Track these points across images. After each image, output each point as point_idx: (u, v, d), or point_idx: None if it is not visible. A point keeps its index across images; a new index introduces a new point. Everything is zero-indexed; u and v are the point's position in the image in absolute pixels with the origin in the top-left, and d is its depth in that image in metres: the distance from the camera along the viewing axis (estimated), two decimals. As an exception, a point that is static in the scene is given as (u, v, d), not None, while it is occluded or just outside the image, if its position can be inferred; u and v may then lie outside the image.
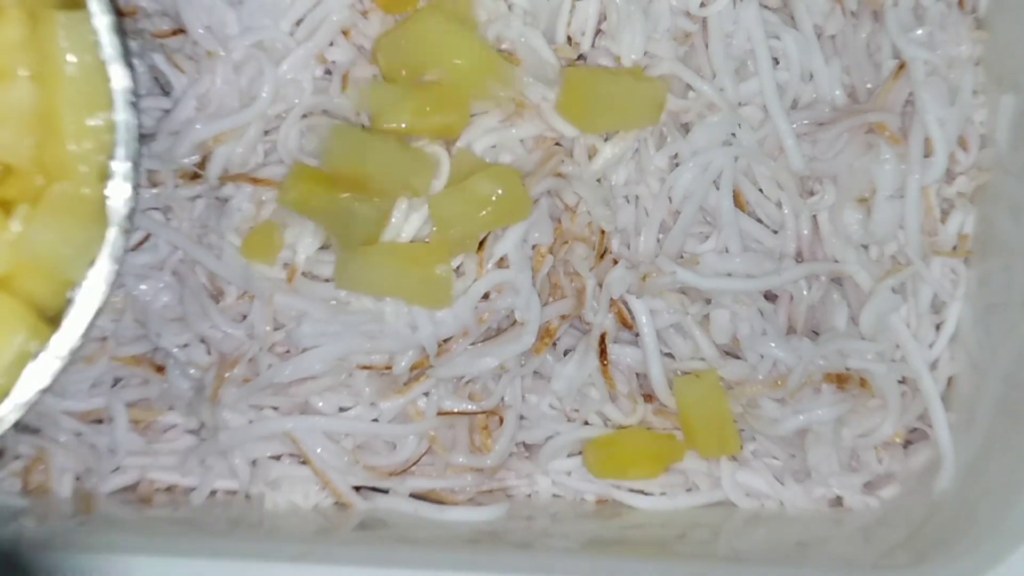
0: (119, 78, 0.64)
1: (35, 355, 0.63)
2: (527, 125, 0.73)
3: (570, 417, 0.76)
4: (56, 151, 0.64)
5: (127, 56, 0.65)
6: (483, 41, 0.72)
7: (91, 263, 0.64)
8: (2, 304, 0.62)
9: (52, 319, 0.64)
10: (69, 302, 0.64)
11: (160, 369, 0.75)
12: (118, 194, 0.64)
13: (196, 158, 0.73)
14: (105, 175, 0.64)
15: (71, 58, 0.63)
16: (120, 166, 0.64)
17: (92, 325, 0.64)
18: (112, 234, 0.64)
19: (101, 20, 0.64)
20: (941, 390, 0.75)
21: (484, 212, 0.71)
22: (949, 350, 0.76)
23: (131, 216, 0.65)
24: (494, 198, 0.71)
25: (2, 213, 0.63)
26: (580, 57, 0.75)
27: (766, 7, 0.75)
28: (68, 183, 0.64)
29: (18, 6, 0.63)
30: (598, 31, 0.74)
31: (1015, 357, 0.71)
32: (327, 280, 0.73)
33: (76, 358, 0.65)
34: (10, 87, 0.63)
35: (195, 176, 0.74)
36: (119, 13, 0.65)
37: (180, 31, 0.73)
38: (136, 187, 0.65)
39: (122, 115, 0.64)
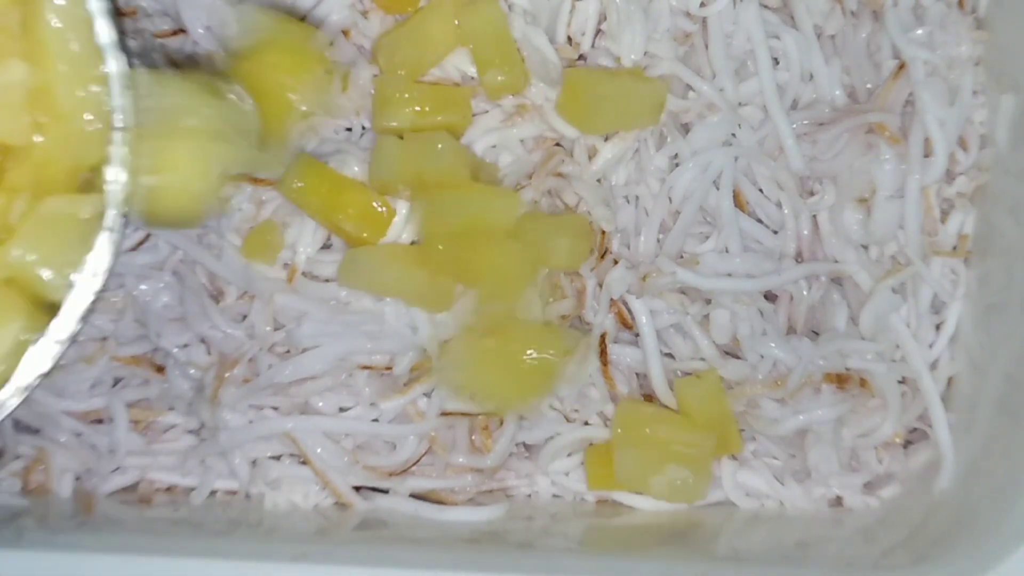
0: (113, 61, 0.64)
1: (34, 341, 0.63)
2: (527, 125, 0.74)
3: (570, 418, 0.76)
4: (55, 129, 0.63)
5: (122, 39, 0.64)
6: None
7: (89, 248, 0.64)
8: None
9: (50, 305, 0.64)
10: (67, 287, 0.63)
11: (160, 369, 0.75)
12: (115, 178, 0.64)
13: (196, 158, 0.73)
14: (102, 159, 0.64)
15: (64, 39, 0.63)
16: (117, 149, 0.64)
17: (91, 309, 0.64)
18: (110, 218, 0.64)
19: (94, 4, 0.63)
20: (941, 390, 0.75)
21: None
22: (949, 350, 0.76)
23: (128, 199, 0.64)
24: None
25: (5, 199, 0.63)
26: (580, 57, 0.75)
27: (766, 7, 0.75)
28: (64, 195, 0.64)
29: None
30: (598, 31, 0.74)
31: (1015, 357, 0.71)
32: (327, 280, 0.73)
33: (75, 344, 0.64)
34: (3, 68, 0.63)
35: (195, 176, 0.74)
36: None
37: (180, 31, 0.73)
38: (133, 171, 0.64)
39: (118, 100, 0.64)
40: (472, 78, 0.74)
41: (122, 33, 0.64)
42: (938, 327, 0.76)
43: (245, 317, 0.74)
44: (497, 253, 0.71)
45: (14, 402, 0.63)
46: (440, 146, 0.71)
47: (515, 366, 0.71)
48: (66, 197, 0.64)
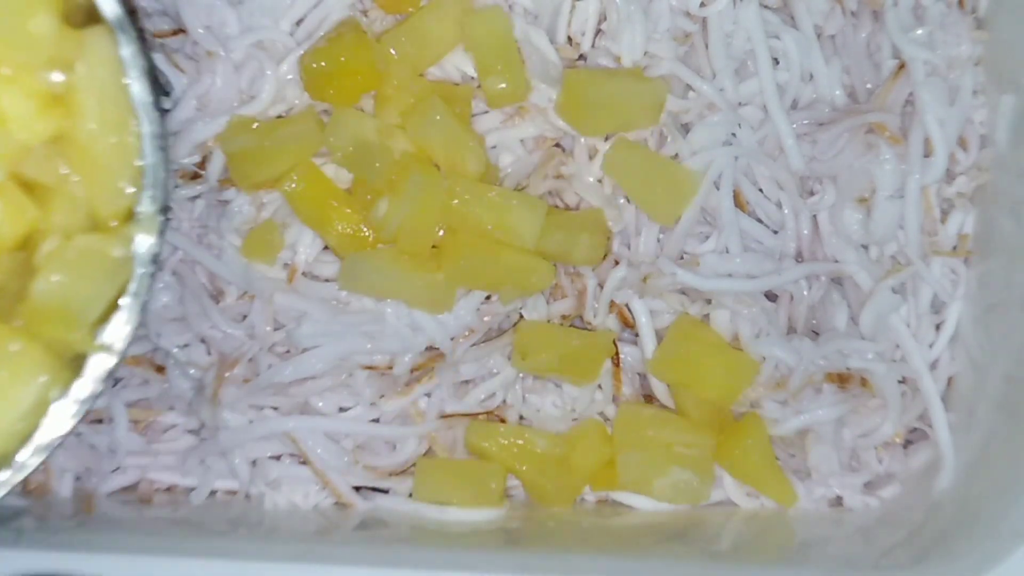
0: (148, 120, 0.64)
1: (55, 400, 0.63)
2: (527, 125, 0.74)
3: (571, 417, 0.76)
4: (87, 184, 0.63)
5: (157, 99, 0.65)
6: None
7: (115, 308, 0.64)
8: (23, 349, 0.62)
9: (74, 359, 0.64)
10: (91, 342, 0.63)
11: (160, 369, 0.75)
12: (144, 238, 0.64)
13: (196, 158, 0.73)
14: (131, 216, 0.64)
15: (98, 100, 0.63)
16: (147, 209, 0.64)
17: (114, 371, 0.64)
18: (136, 278, 0.64)
19: (134, 63, 0.64)
20: (941, 390, 0.75)
21: None
22: (949, 350, 0.76)
23: (156, 260, 0.65)
24: None
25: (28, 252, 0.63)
26: (580, 57, 0.75)
27: (766, 7, 0.75)
28: (93, 236, 0.63)
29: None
30: (598, 31, 0.74)
31: (1015, 357, 0.71)
32: (327, 280, 0.73)
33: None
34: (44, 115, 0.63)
35: (195, 176, 0.74)
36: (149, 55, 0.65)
37: (180, 31, 0.73)
38: (163, 231, 0.65)
39: (151, 158, 0.64)
40: (472, 78, 0.74)
41: (163, 93, 0.65)
42: (938, 327, 0.76)
43: (245, 317, 0.74)
44: (520, 260, 0.71)
45: (34, 462, 0.63)
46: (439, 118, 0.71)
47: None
48: (96, 236, 0.64)
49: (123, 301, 0.64)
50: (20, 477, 0.63)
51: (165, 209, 0.65)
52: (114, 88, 0.64)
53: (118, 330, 0.64)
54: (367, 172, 0.71)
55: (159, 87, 0.65)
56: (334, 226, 0.71)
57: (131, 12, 0.65)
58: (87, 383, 0.63)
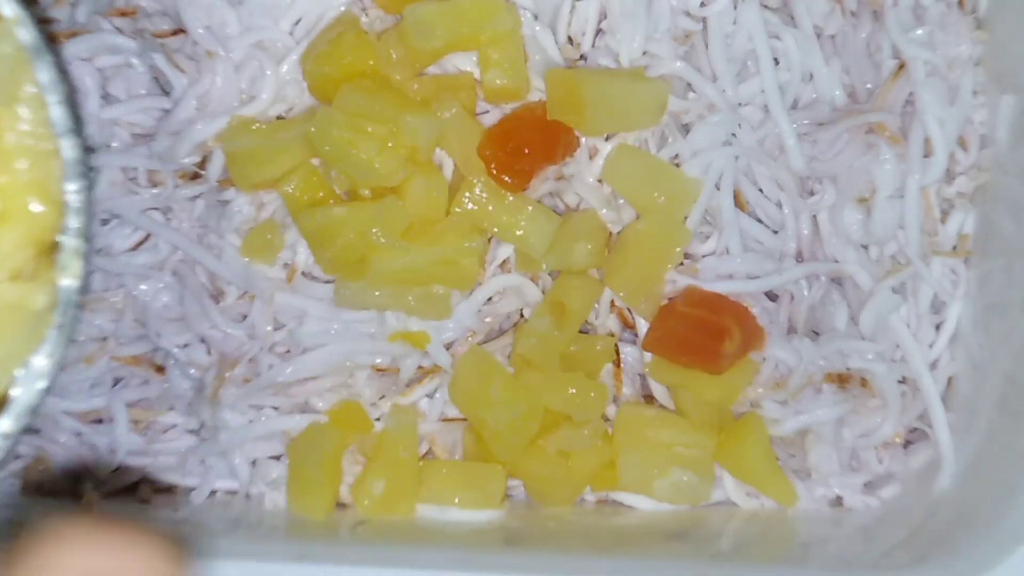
0: (69, 148, 0.60)
1: None
2: (527, 125, 0.74)
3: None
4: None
5: (78, 125, 0.60)
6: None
7: (40, 340, 0.60)
8: None
9: None
10: (13, 381, 0.59)
11: (160, 369, 0.75)
12: (68, 270, 0.60)
13: (196, 158, 0.73)
14: (53, 248, 0.60)
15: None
16: (70, 241, 0.60)
17: (39, 405, 0.60)
18: (60, 313, 0.60)
19: (54, 88, 0.60)
20: (941, 390, 0.75)
21: None
22: (949, 350, 0.76)
23: (84, 290, 0.61)
24: None
25: None
26: (581, 57, 0.74)
27: (766, 7, 0.75)
28: (13, 286, 0.59)
29: None
30: (598, 31, 0.74)
31: (1015, 357, 0.71)
32: (327, 280, 0.73)
33: (75, 344, 0.62)
34: None
35: (195, 176, 0.74)
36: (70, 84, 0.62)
37: (180, 31, 0.73)
38: (87, 262, 0.60)
39: (72, 186, 0.60)
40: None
41: (79, 120, 0.61)
42: (938, 327, 0.76)
43: (245, 317, 0.74)
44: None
45: None
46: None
47: None
48: (19, 286, 0.60)
49: (48, 334, 0.60)
50: None
51: (88, 238, 0.61)
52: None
53: (40, 363, 0.60)
54: (354, 171, 0.70)
55: (78, 115, 0.61)
56: (326, 250, 0.70)
57: (50, 38, 0.62)
58: (8, 420, 0.59)
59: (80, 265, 0.60)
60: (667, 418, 0.74)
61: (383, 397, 0.74)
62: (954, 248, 0.76)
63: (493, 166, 0.70)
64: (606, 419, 0.75)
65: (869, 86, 0.76)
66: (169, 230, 0.74)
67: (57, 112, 0.60)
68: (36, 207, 0.60)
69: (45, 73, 0.60)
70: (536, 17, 0.74)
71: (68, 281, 0.60)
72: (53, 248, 0.60)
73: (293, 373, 0.73)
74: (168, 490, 0.77)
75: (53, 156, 0.60)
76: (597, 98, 0.71)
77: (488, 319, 0.74)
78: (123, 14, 0.74)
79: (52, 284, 0.60)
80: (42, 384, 0.60)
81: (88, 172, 0.61)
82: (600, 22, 0.74)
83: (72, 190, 0.60)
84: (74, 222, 0.60)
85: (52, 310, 0.60)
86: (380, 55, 0.71)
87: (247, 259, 0.73)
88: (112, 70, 0.75)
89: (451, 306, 0.72)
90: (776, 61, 0.75)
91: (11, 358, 0.60)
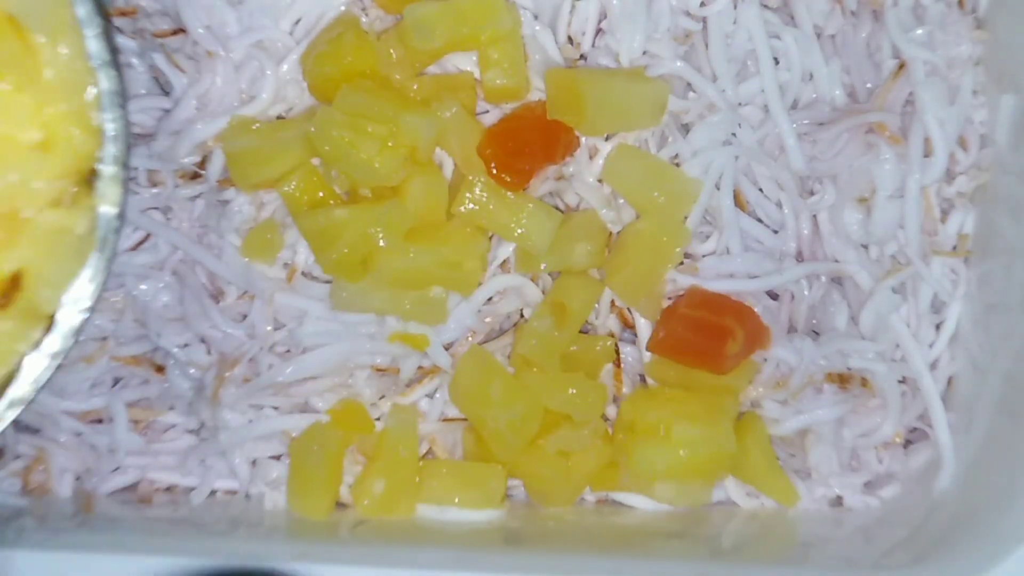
0: (106, 79, 0.64)
1: (27, 353, 0.63)
2: (527, 125, 0.74)
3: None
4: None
5: (115, 57, 0.64)
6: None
7: (82, 263, 0.64)
8: None
9: (44, 318, 0.64)
10: (60, 301, 0.64)
11: (160, 369, 0.75)
12: (107, 197, 0.64)
13: (196, 158, 0.73)
14: (93, 175, 0.64)
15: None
16: (108, 168, 0.64)
17: (82, 327, 0.64)
18: (101, 237, 0.64)
19: (90, 22, 0.63)
20: (941, 390, 0.75)
21: None
22: (949, 350, 0.76)
23: (121, 216, 0.65)
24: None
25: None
26: (581, 57, 0.74)
27: (766, 7, 0.75)
28: (57, 212, 0.63)
29: None
30: (598, 31, 0.74)
31: (1015, 357, 0.71)
32: (327, 280, 0.73)
33: (75, 344, 0.65)
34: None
35: (195, 176, 0.74)
36: (107, 16, 0.65)
37: (180, 31, 0.73)
38: (125, 189, 0.65)
39: (109, 115, 0.64)
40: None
41: (114, 51, 0.64)
42: (938, 327, 0.76)
43: (245, 317, 0.74)
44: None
45: (10, 415, 0.63)
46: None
47: None
48: (62, 211, 0.64)
49: (90, 257, 0.64)
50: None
51: (126, 165, 0.65)
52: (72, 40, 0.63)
53: (83, 288, 0.64)
54: (354, 171, 0.70)
55: (114, 47, 0.65)
56: (326, 250, 0.70)
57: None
58: (56, 339, 0.64)
59: (119, 192, 0.64)
60: (672, 395, 0.73)
61: (383, 397, 0.74)
62: (954, 248, 0.76)
63: (493, 166, 0.70)
64: (606, 419, 0.75)
65: (869, 86, 0.76)
66: (169, 230, 0.74)
67: (94, 45, 0.64)
68: (76, 135, 0.64)
69: (82, 7, 0.63)
70: (536, 17, 0.74)
71: (107, 208, 0.64)
72: (91, 176, 0.64)
73: (293, 373, 0.73)
74: (168, 490, 0.77)
75: (90, 87, 0.64)
76: (597, 98, 0.71)
77: (488, 319, 0.74)
78: (123, 14, 0.74)
79: (92, 211, 0.64)
80: (85, 305, 0.64)
81: (124, 102, 0.65)
82: (600, 22, 0.74)
83: (109, 119, 0.64)
84: (112, 149, 0.64)
85: (92, 235, 0.64)
86: (380, 55, 0.71)
87: (247, 259, 0.73)
88: (112, 70, 0.75)
89: (448, 311, 0.72)
90: (776, 61, 0.75)
91: (60, 281, 0.64)
